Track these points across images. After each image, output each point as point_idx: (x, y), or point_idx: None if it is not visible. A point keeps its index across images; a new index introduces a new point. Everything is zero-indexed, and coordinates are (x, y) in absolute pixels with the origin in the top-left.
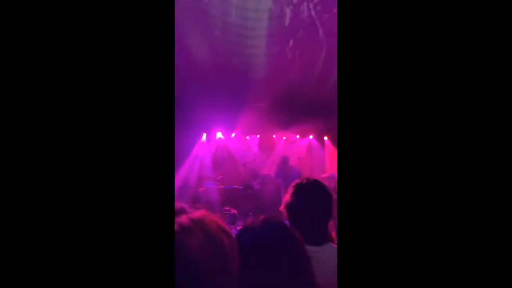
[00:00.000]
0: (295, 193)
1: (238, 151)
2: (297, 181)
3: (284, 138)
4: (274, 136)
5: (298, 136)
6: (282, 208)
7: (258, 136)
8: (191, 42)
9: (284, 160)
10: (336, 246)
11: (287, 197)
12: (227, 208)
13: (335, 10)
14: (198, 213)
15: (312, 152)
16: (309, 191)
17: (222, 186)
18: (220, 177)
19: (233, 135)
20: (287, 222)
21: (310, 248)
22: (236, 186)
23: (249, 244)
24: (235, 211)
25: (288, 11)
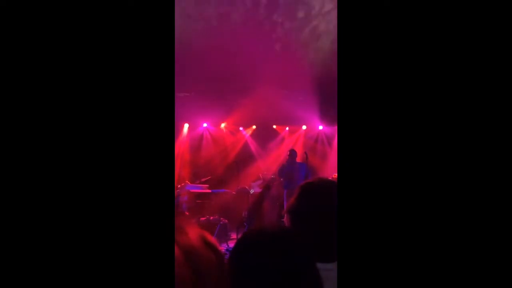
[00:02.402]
0: (301, 196)
1: (229, 145)
2: (306, 181)
3: (287, 129)
4: (274, 126)
5: (304, 127)
6: (284, 213)
7: (254, 127)
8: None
9: (292, 154)
10: None
11: (292, 201)
12: (215, 217)
13: None
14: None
15: (324, 147)
16: (319, 193)
17: (209, 190)
18: (207, 178)
19: (222, 125)
20: None
21: (319, 266)
22: (227, 190)
23: (250, 264)
24: (226, 221)
25: None
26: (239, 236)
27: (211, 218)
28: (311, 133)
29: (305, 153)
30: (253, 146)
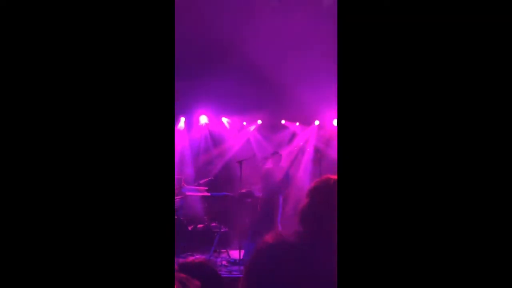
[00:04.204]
0: (312, 199)
1: (231, 142)
2: (315, 181)
3: (297, 124)
4: (283, 121)
5: (317, 122)
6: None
7: (260, 121)
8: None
9: (274, 156)
10: None
11: (303, 203)
12: (215, 224)
13: None
14: None
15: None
16: (331, 193)
17: (209, 193)
18: (206, 179)
19: (224, 120)
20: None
21: None
22: (228, 193)
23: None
24: (226, 229)
25: None
26: (245, 245)
27: (211, 225)
28: (324, 129)
29: (318, 151)
30: (258, 143)
